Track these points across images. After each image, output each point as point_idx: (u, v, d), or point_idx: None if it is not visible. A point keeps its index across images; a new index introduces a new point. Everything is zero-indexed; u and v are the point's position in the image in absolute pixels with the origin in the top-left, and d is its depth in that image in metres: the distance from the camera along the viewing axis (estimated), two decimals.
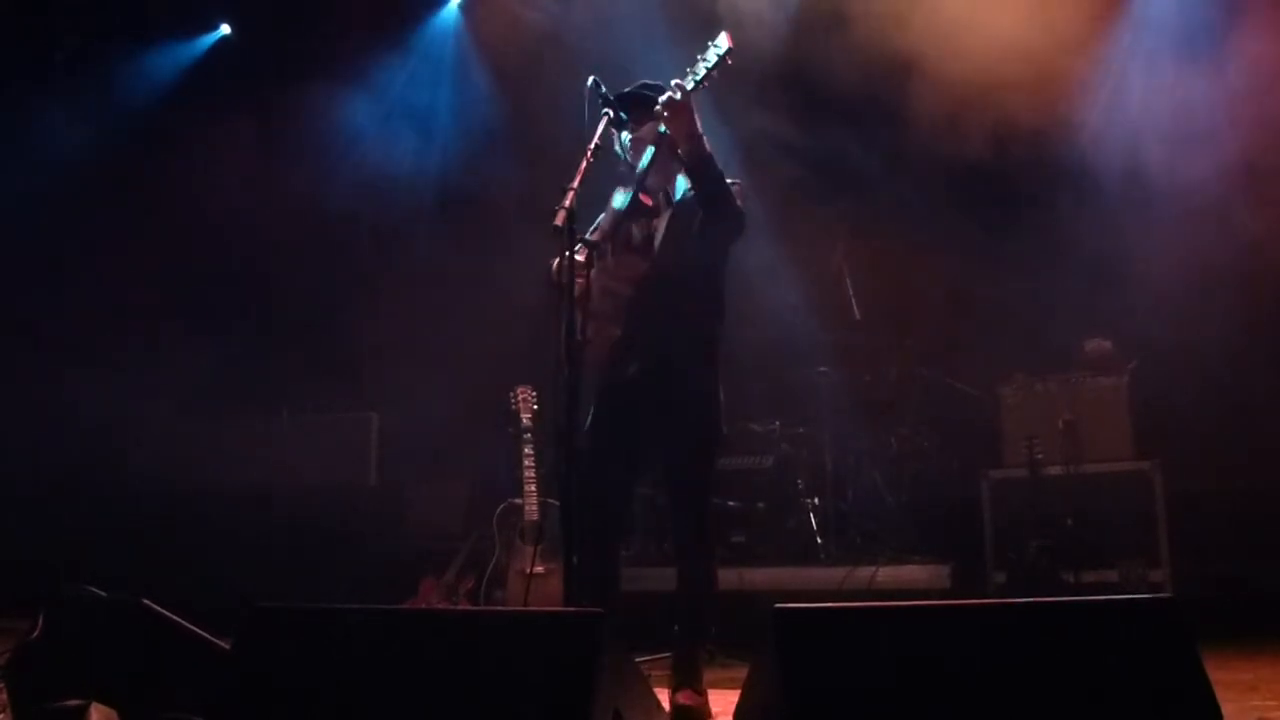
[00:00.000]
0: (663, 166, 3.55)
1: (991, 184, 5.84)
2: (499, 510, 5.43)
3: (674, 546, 3.78)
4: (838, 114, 6.09)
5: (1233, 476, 5.62)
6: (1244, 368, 5.64)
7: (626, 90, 3.58)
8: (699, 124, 3.28)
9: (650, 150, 3.47)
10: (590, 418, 3.37)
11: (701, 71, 3.25)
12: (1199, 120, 5.40)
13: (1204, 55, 5.40)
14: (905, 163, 6.20)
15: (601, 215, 3.57)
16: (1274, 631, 4.66)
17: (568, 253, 3.09)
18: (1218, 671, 2.17)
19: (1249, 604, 4.97)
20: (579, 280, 3.21)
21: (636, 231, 3.48)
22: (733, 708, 2.81)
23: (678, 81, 3.27)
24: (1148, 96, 5.61)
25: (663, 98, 3.28)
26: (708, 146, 3.31)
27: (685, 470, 3.52)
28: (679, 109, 3.25)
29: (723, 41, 3.23)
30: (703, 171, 3.33)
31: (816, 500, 5.86)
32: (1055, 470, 5.37)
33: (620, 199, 3.48)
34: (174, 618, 2.90)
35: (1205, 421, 5.68)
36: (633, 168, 3.55)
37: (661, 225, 3.50)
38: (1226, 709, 2.12)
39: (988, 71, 5.45)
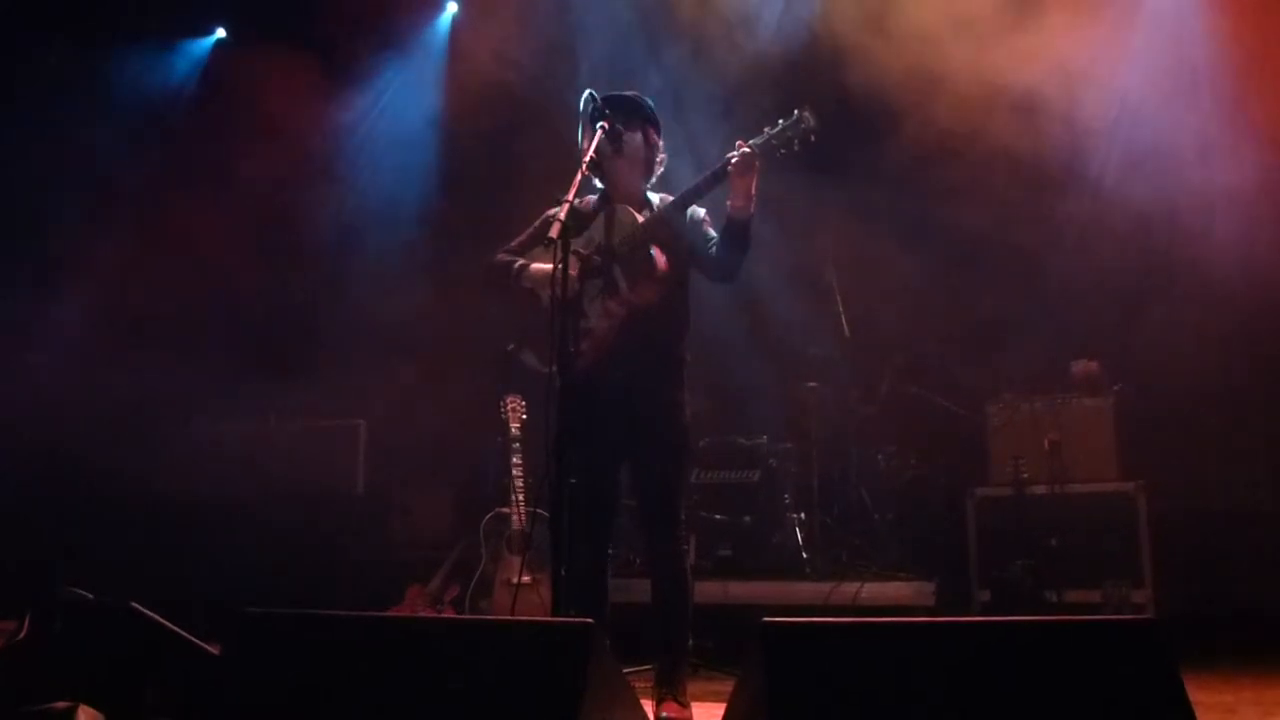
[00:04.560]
0: (628, 173, 3.60)
1: (982, 204, 5.88)
2: (486, 519, 5.44)
3: (646, 558, 3.80)
4: (829, 130, 6.12)
5: (1216, 499, 5.66)
6: (1228, 391, 5.68)
7: (614, 94, 3.60)
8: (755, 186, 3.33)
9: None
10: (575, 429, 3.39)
11: (775, 138, 3.30)
12: (1192, 142, 5.45)
13: (1201, 76, 5.45)
14: (897, 181, 6.24)
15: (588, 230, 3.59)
16: (1254, 654, 4.69)
17: (561, 264, 3.10)
18: (1198, 693, 2.19)
19: (1231, 626, 5.00)
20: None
21: (659, 258, 3.50)
22: None
23: (751, 142, 3.31)
24: (1143, 118, 5.67)
25: (733, 154, 3.30)
26: (753, 209, 3.37)
27: (659, 481, 3.56)
28: (748, 168, 3.29)
29: (807, 117, 3.28)
30: (743, 233, 3.41)
31: (803, 515, 5.87)
32: (1040, 490, 5.41)
33: (628, 228, 3.50)
34: (162, 621, 2.90)
35: (1190, 444, 5.72)
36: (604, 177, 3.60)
37: (664, 256, 3.52)
38: None
39: (981, 87, 5.49)
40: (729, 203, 3.38)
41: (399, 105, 7.59)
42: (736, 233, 3.41)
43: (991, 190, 5.80)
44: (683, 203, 3.48)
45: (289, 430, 6.82)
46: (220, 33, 7.88)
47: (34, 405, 6.42)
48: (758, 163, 3.31)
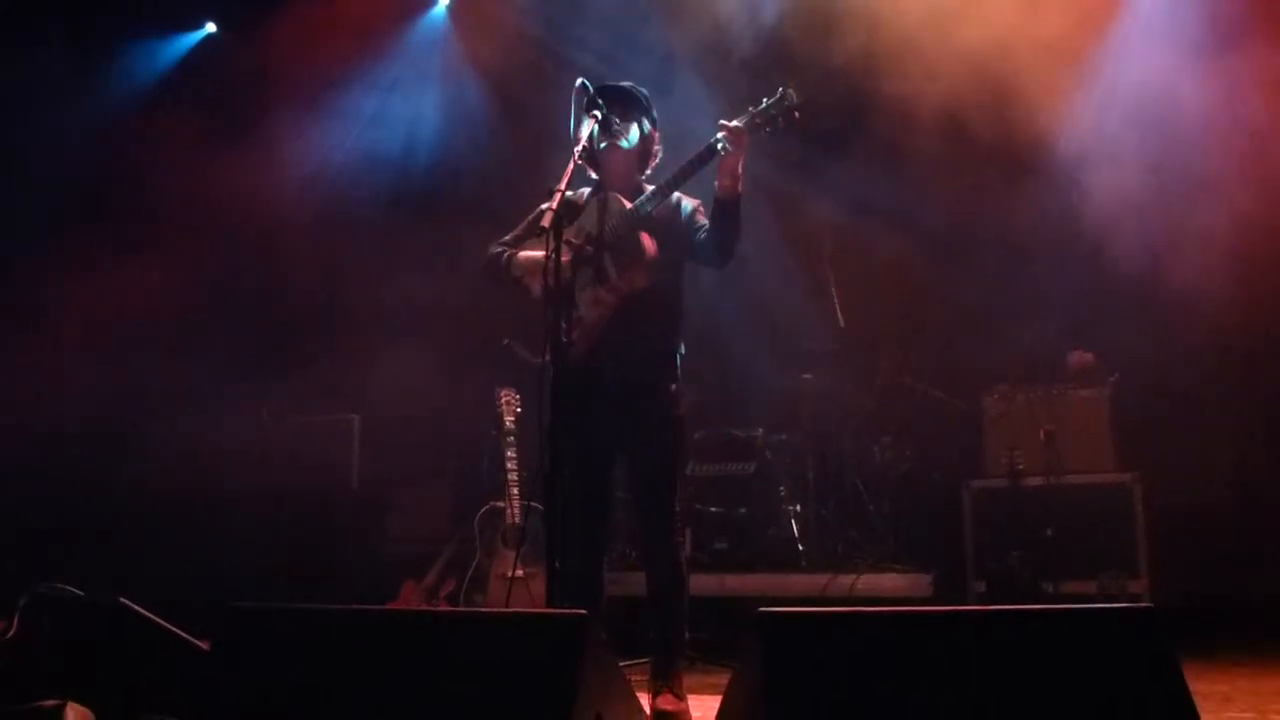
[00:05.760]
0: (622, 164, 3.58)
1: (978, 194, 5.87)
2: (480, 513, 5.42)
3: (642, 551, 3.79)
4: (821, 120, 6.10)
5: (1212, 490, 5.66)
6: (1224, 381, 5.68)
7: (609, 84, 3.59)
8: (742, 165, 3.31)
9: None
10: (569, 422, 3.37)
11: (759, 116, 3.27)
12: (1187, 134, 5.44)
13: (1196, 67, 5.44)
14: (893, 171, 6.22)
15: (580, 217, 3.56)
16: (1251, 644, 4.69)
17: (554, 253, 3.08)
18: (1194, 683, 2.18)
19: (1225, 616, 5.00)
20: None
21: (647, 244, 3.47)
22: (714, 713, 2.81)
23: (735, 121, 3.28)
24: (1137, 108, 5.65)
25: (722, 132, 3.27)
26: (741, 188, 3.35)
27: (653, 474, 3.55)
28: (739, 146, 3.27)
29: (791, 94, 3.25)
30: (733, 213, 3.38)
31: (798, 507, 5.86)
32: (1036, 481, 5.40)
33: (618, 215, 3.48)
34: (152, 617, 2.87)
35: (1185, 435, 5.72)
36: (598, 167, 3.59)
37: (652, 242, 3.49)
38: None
39: (975, 78, 5.48)
40: (717, 184, 3.36)
41: (394, 94, 7.54)
42: (726, 214, 3.39)
43: (988, 180, 5.79)
44: (670, 186, 3.45)
45: (282, 426, 6.79)
46: (210, 27, 7.84)
47: (24, 401, 6.38)
48: (745, 139, 3.29)
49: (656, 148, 3.67)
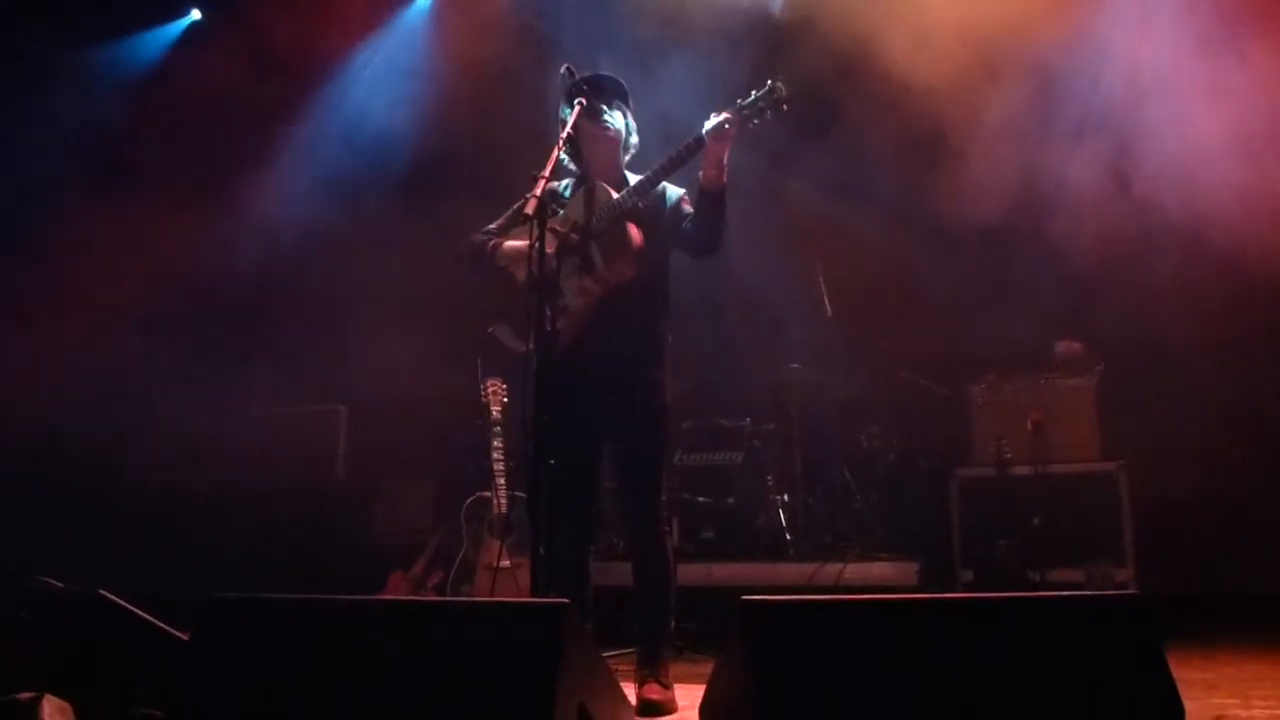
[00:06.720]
0: (605, 152, 3.57)
1: (967, 182, 5.86)
2: (467, 503, 5.40)
3: (629, 541, 3.78)
4: (810, 110, 6.09)
5: (1198, 479, 5.67)
6: (1210, 370, 5.69)
7: (592, 74, 3.59)
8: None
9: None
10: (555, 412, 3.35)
11: (747, 108, 3.27)
12: (1177, 119, 5.44)
13: (1184, 50, 5.42)
14: (880, 161, 6.21)
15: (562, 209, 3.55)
16: (1235, 632, 4.71)
17: (539, 242, 3.07)
18: (1178, 670, 2.18)
19: (1212, 604, 5.02)
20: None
21: (634, 234, 3.46)
22: (699, 702, 2.80)
23: (728, 114, 3.28)
24: (1125, 97, 5.64)
25: (711, 123, 3.27)
26: (725, 179, 3.34)
27: (640, 464, 3.54)
28: (724, 136, 3.26)
29: (779, 87, 3.25)
30: (718, 203, 3.38)
31: (786, 497, 5.86)
32: (1023, 470, 5.41)
33: (605, 205, 3.46)
34: (133, 609, 2.84)
35: (1172, 424, 5.73)
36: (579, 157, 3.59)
37: (639, 232, 3.47)
38: (1187, 707, 2.13)
39: (963, 68, 5.46)
40: (701, 174, 3.36)
41: (380, 81, 7.48)
42: (711, 204, 3.39)
43: (978, 169, 5.78)
44: (657, 177, 3.44)
45: (269, 417, 6.76)
46: (195, 14, 7.77)
47: (11, 393, 6.32)
48: (733, 131, 3.28)
49: (634, 137, 3.67)
